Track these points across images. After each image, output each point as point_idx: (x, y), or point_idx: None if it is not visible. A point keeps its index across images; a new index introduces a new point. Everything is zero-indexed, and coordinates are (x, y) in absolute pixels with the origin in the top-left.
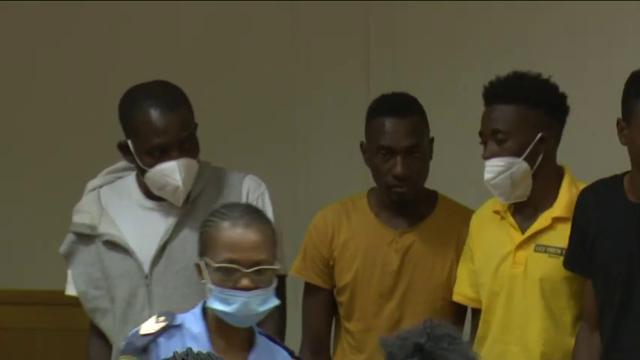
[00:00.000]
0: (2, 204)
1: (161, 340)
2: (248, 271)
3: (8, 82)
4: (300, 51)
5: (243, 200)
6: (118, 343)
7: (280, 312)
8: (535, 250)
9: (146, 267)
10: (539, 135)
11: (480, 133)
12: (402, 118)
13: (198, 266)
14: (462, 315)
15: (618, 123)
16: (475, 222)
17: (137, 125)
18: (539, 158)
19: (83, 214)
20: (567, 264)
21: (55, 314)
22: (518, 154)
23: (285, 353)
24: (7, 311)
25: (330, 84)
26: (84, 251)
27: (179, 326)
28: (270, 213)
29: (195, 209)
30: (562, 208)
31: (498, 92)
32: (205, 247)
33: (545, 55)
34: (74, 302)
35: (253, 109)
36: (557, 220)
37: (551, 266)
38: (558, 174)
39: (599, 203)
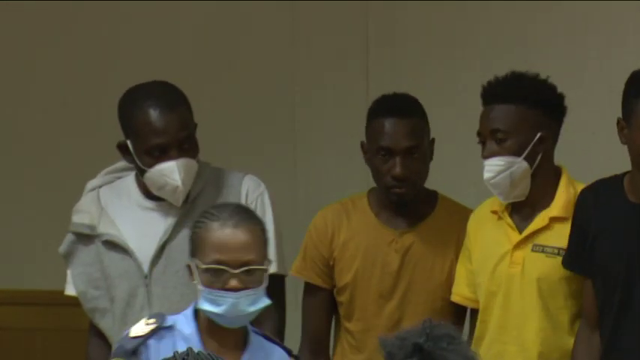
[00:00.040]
0: (2, 204)
1: (151, 342)
2: (236, 271)
3: (8, 82)
4: (300, 51)
5: (243, 200)
6: None
7: (280, 312)
8: (532, 250)
9: (145, 267)
10: (539, 135)
11: (479, 133)
12: (402, 119)
13: (189, 267)
14: (462, 315)
15: (618, 122)
16: (472, 222)
17: (136, 125)
18: (538, 158)
19: (82, 214)
20: (567, 264)
21: (55, 314)
22: (517, 154)
23: (281, 351)
24: (7, 311)
25: (330, 84)
26: (83, 251)
27: (170, 328)
28: (269, 213)
29: (195, 209)
30: (559, 207)
31: (497, 92)
32: (195, 248)
33: (545, 55)
34: (74, 302)
35: (253, 109)
36: (554, 219)
37: (549, 266)
38: (556, 174)
39: (599, 203)
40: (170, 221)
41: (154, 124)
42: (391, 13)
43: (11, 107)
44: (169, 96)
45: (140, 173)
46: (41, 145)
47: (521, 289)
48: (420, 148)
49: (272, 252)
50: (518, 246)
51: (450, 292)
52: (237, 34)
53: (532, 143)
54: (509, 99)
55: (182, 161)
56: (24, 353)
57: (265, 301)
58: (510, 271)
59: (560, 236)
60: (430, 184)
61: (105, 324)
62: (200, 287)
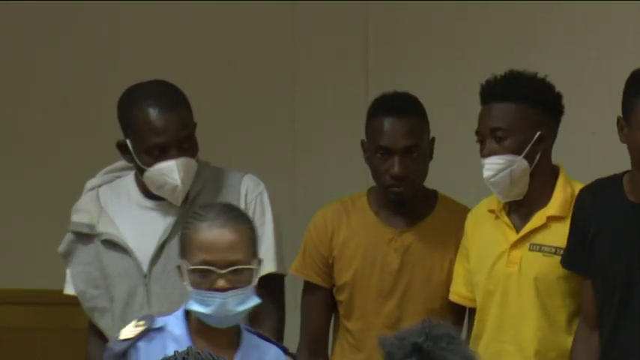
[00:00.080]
0: (2, 204)
1: (140, 344)
2: (223, 272)
3: (8, 82)
4: (300, 51)
5: (242, 200)
6: None
7: (279, 312)
8: (530, 249)
9: (145, 266)
10: (538, 133)
11: (477, 132)
12: (401, 118)
13: (179, 268)
14: (461, 314)
15: (618, 121)
16: (470, 221)
17: (136, 124)
18: (537, 157)
19: (82, 214)
20: (565, 263)
21: (55, 314)
22: (517, 152)
23: (276, 350)
24: (7, 311)
25: (329, 84)
26: (83, 250)
27: (160, 329)
28: (269, 213)
29: (194, 209)
30: (557, 207)
31: (496, 91)
32: (183, 249)
33: (545, 55)
34: (74, 302)
35: (253, 109)
36: (551, 219)
37: (546, 265)
38: (553, 173)
39: (598, 203)
40: (169, 220)
41: (154, 123)
42: (391, 13)
43: (11, 107)
44: (169, 95)
45: (139, 172)
46: (41, 145)
47: (519, 288)
48: (418, 148)
49: (271, 251)
50: (515, 245)
51: (449, 292)
52: (237, 34)
53: (532, 142)
54: (508, 97)
55: (182, 160)
56: (24, 353)
57: (255, 300)
58: (508, 271)
59: (557, 235)
60: (430, 183)
61: (104, 323)
62: (189, 288)
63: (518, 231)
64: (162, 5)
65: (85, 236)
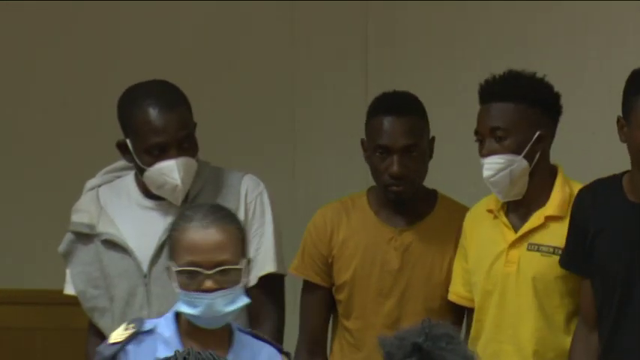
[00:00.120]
0: (2, 204)
1: (130, 347)
2: (210, 272)
3: (8, 82)
4: (300, 51)
5: (242, 200)
6: None
7: (279, 312)
8: (528, 249)
9: (145, 266)
10: (537, 133)
11: (476, 131)
12: (400, 117)
13: (168, 270)
14: (460, 314)
15: (618, 121)
16: (469, 221)
17: (136, 124)
18: (537, 156)
19: (82, 214)
20: (564, 263)
21: (55, 314)
22: (517, 152)
23: (269, 349)
24: (7, 311)
25: (329, 84)
26: (83, 250)
27: (150, 331)
28: (268, 212)
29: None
30: (555, 206)
31: (494, 90)
32: (171, 251)
33: (545, 55)
34: (74, 302)
35: (253, 109)
36: (550, 218)
37: (544, 265)
38: (551, 173)
39: (597, 203)
40: (169, 220)
41: (154, 123)
42: (391, 13)
43: (11, 107)
44: (169, 95)
45: (139, 172)
46: (41, 145)
47: (517, 288)
48: (418, 147)
49: (271, 251)
50: (513, 245)
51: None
52: (237, 34)
53: (531, 142)
54: (508, 97)
55: (181, 160)
56: (24, 353)
57: (244, 301)
58: (506, 270)
59: (555, 235)
60: (430, 183)
61: (104, 323)
62: (177, 289)
63: (516, 231)
64: (162, 5)
65: (85, 236)
